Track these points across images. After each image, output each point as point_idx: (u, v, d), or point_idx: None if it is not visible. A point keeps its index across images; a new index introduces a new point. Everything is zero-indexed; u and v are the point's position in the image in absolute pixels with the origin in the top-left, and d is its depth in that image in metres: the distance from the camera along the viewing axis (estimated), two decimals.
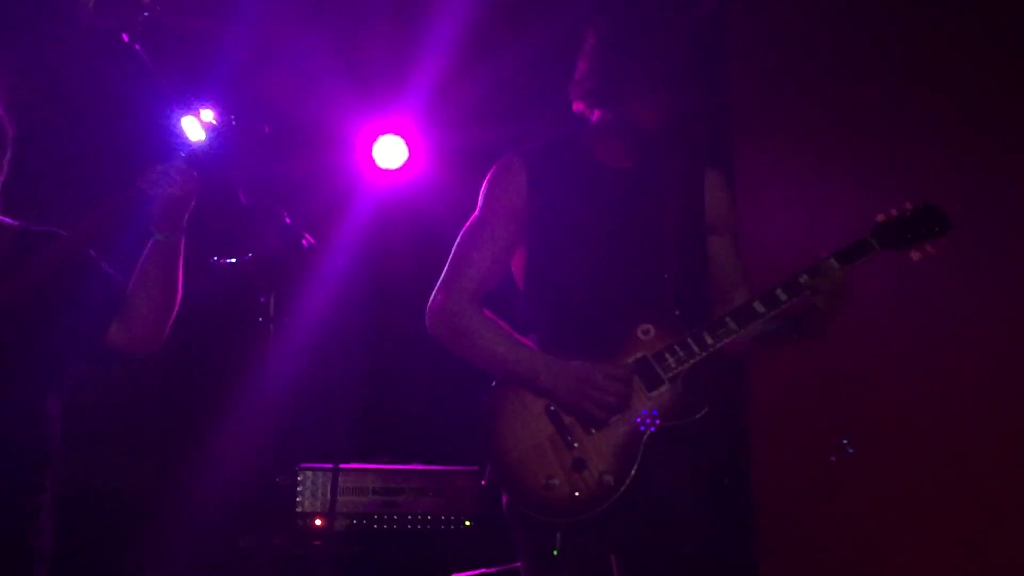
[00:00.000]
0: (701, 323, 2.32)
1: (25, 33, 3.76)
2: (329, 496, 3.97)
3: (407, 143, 4.88)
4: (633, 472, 2.22)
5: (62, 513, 2.44)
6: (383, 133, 4.86)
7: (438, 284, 2.46)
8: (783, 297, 2.32)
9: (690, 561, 2.23)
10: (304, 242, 3.18)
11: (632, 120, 2.40)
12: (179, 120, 4.08)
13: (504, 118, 4.73)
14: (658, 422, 2.25)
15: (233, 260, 3.22)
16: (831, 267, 2.33)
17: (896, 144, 3.95)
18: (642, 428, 2.24)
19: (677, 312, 2.35)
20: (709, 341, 2.29)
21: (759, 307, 2.32)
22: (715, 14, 4.19)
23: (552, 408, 2.28)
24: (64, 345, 2.38)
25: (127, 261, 2.46)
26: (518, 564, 3.60)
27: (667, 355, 2.29)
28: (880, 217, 2.39)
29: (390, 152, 4.87)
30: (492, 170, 2.52)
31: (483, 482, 2.36)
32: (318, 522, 3.99)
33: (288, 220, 3.21)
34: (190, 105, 3.75)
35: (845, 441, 3.79)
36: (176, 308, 2.43)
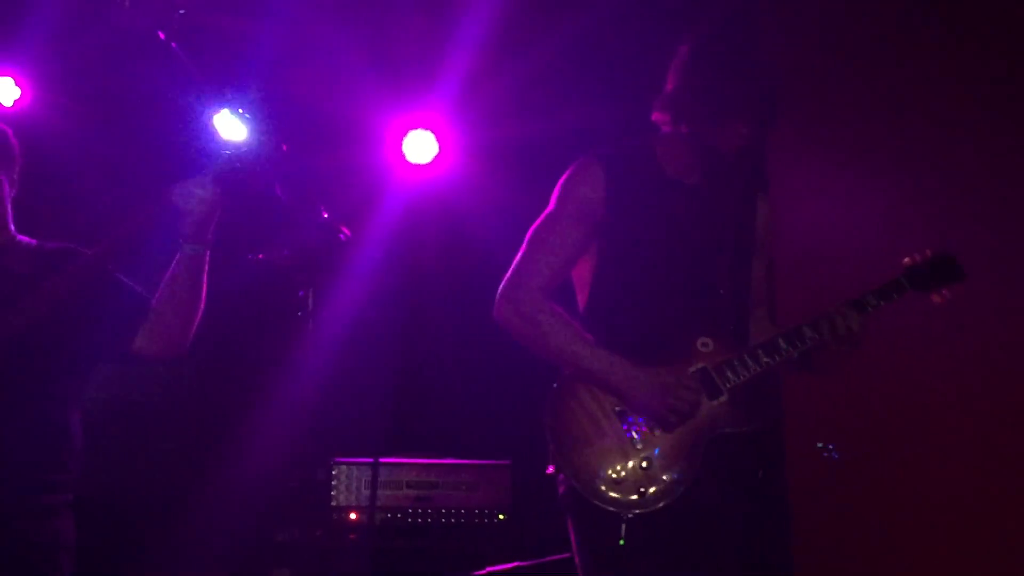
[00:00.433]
0: (756, 341, 2.51)
1: (60, 34, 3.80)
2: (363, 490, 4.01)
3: (437, 138, 4.88)
4: (694, 474, 2.36)
5: (100, 508, 2.48)
6: (413, 128, 4.86)
7: (509, 273, 2.52)
8: (825, 326, 2.48)
9: (733, 561, 2.41)
10: (342, 236, 3.20)
11: (713, 140, 2.51)
12: (213, 118, 4.12)
13: (534, 113, 4.73)
14: (717, 430, 2.40)
15: (265, 256, 3.23)
16: (872, 305, 2.51)
17: (927, 138, 3.93)
18: (703, 434, 2.38)
19: (732, 327, 2.52)
20: (764, 360, 2.45)
21: (808, 332, 2.48)
22: (747, 6, 4.17)
23: (619, 408, 2.40)
24: (88, 356, 2.47)
25: (150, 268, 2.52)
26: (553, 557, 3.61)
27: (726, 368, 2.44)
28: (907, 260, 2.56)
29: (420, 147, 4.87)
30: (571, 169, 2.57)
31: (549, 470, 2.45)
32: (353, 516, 4.02)
33: (325, 215, 3.22)
34: (224, 103, 3.78)
35: (831, 447, 3.83)
36: (200, 315, 2.50)
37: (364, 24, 4.56)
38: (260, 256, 3.23)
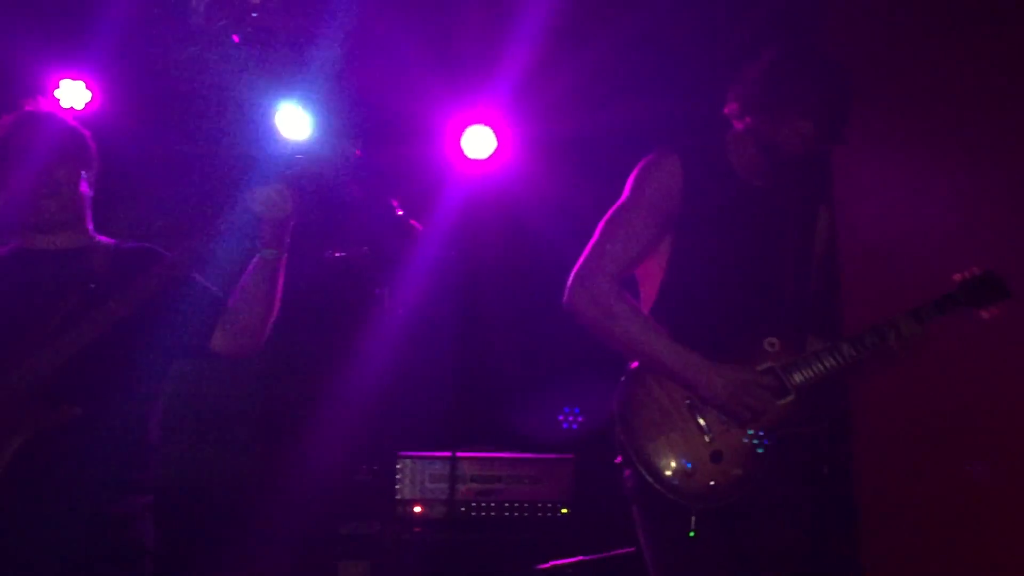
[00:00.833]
0: (820, 344, 2.54)
1: (131, 37, 3.86)
2: (426, 483, 4.05)
3: (496, 133, 4.89)
4: (762, 471, 2.40)
5: (167, 503, 2.53)
6: (472, 124, 4.87)
7: (582, 260, 2.52)
8: (889, 332, 2.54)
9: (798, 558, 2.46)
10: (415, 230, 3.20)
11: (779, 139, 2.51)
12: (286, 119, 4.18)
13: (592, 108, 4.72)
14: (784, 429, 2.44)
15: (343, 253, 3.26)
16: (926, 317, 2.57)
17: (994, 129, 3.86)
18: (771, 433, 2.42)
19: (796, 329, 2.55)
20: (829, 362, 2.49)
21: (870, 338, 2.54)
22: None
23: (690, 401, 2.42)
24: (167, 354, 2.51)
25: (223, 266, 2.55)
26: (617, 552, 3.63)
27: (793, 369, 2.48)
28: (957, 277, 2.64)
29: (479, 142, 4.89)
30: (646, 161, 2.58)
31: (617, 460, 2.47)
32: (417, 509, 4.06)
33: (400, 211, 3.23)
34: (296, 104, 3.84)
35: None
36: (275, 314, 2.53)
37: (424, 20, 4.58)
38: (337, 254, 3.26)
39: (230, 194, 2.41)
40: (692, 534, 2.35)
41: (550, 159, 4.87)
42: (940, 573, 3.85)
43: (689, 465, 2.36)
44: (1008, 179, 3.86)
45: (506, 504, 4.12)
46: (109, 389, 2.35)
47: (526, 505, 4.13)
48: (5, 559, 2.24)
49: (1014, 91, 3.85)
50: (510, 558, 4.02)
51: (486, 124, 4.88)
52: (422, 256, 4.66)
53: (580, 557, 3.77)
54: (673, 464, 2.36)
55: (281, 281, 2.50)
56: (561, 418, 4.20)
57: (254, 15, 2.57)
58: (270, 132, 4.21)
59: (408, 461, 4.11)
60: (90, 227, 2.59)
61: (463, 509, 4.09)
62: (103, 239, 2.61)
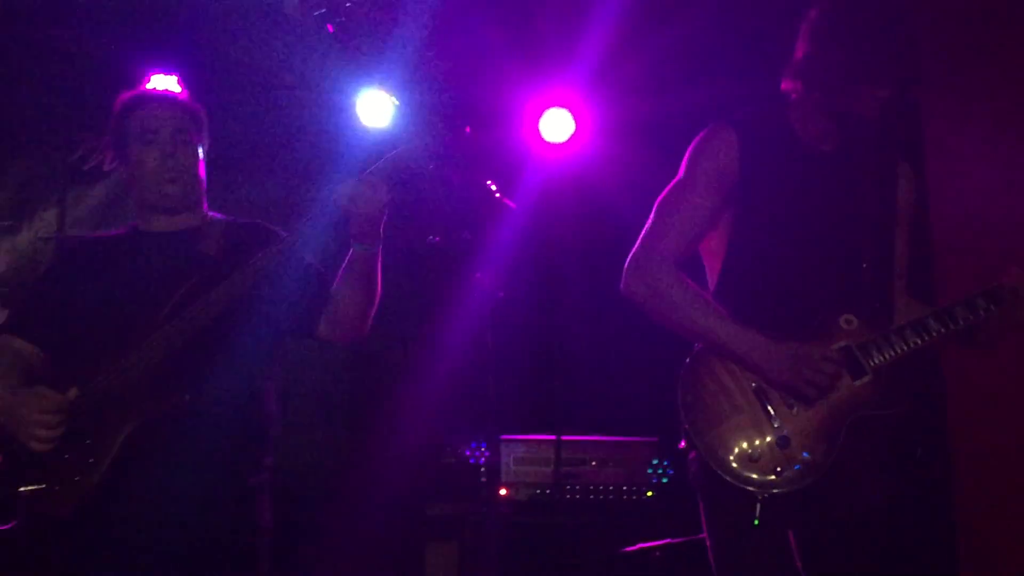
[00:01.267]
0: (903, 320, 2.38)
1: (230, 26, 3.92)
2: (512, 466, 4.07)
3: (574, 116, 4.87)
4: (833, 455, 2.26)
5: (287, 488, 2.55)
6: (550, 106, 4.86)
7: (637, 244, 2.43)
8: (982, 304, 2.38)
9: (876, 551, 2.32)
10: (510, 209, 3.17)
11: (848, 107, 2.38)
12: (369, 106, 4.21)
13: (672, 90, 4.66)
14: (859, 411, 2.29)
15: (442, 238, 3.27)
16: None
17: None
18: (844, 415, 2.28)
19: (877, 303, 2.39)
20: (912, 339, 2.34)
21: (961, 312, 2.38)
22: None
23: (755, 384, 2.31)
24: (277, 338, 2.51)
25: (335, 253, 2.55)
26: (703, 535, 3.60)
27: (871, 347, 2.33)
28: None
29: (557, 126, 4.87)
30: (701, 136, 2.47)
31: (680, 445, 2.40)
32: (503, 492, 4.09)
33: (499, 195, 3.21)
34: (377, 90, 3.85)
35: None
36: (377, 301, 2.50)
37: (502, 3, 4.57)
38: (436, 238, 3.28)
39: (319, 183, 2.41)
40: (756, 522, 2.23)
41: (629, 142, 4.84)
42: None
43: (754, 451, 2.26)
44: None
45: (591, 487, 4.12)
46: (218, 372, 2.35)
47: (611, 488, 4.13)
48: (121, 543, 2.26)
49: None
50: (596, 541, 4.03)
51: (564, 107, 4.86)
52: (498, 239, 4.68)
53: (668, 540, 3.76)
54: (737, 450, 2.26)
55: (379, 272, 2.46)
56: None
57: (347, 4, 2.58)
58: (354, 121, 4.25)
59: (497, 444, 4.14)
60: (205, 205, 2.60)
61: (549, 491, 4.11)
62: (215, 215, 2.61)
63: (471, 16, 4.50)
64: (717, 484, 2.28)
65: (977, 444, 3.88)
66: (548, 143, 4.89)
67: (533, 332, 4.74)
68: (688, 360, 2.39)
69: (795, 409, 2.29)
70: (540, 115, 4.86)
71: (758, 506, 2.24)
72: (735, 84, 4.48)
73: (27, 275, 5.11)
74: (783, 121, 2.46)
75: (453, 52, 4.44)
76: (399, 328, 4.48)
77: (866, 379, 2.30)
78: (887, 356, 2.32)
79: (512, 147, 4.94)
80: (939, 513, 3.87)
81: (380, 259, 2.45)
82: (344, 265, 2.45)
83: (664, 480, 4.15)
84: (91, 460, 2.25)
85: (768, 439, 2.27)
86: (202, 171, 2.56)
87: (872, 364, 2.31)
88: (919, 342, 2.33)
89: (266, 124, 4.80)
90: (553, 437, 4.18)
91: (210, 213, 2.61)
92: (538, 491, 4.11)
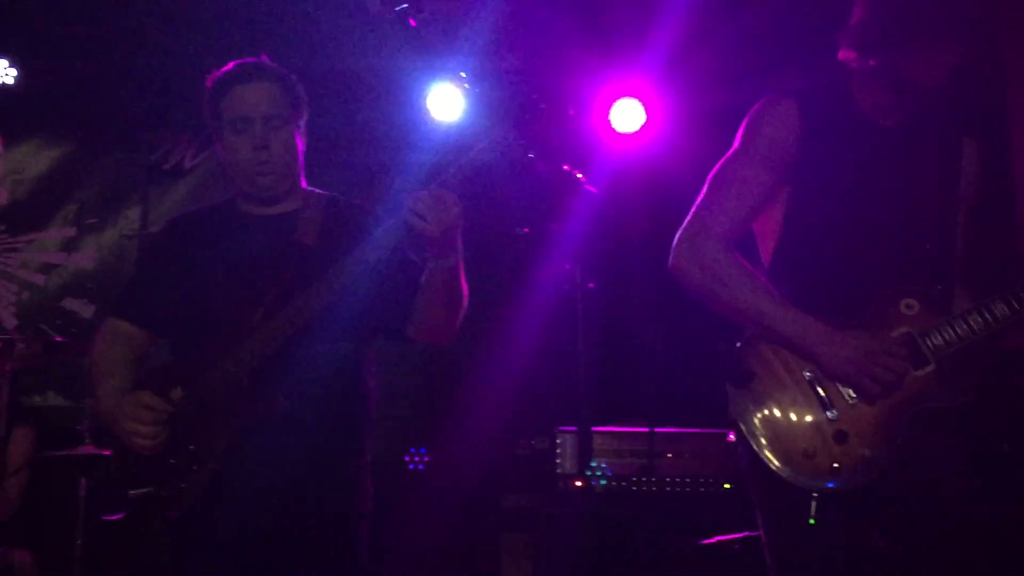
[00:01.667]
0: (968, 304, 2.23)
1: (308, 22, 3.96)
2: (588, 458, 4.06)
3: (645, 106, 4.84)
4: (895, 452, 2.13)
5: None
6: (621, 96, 4.84)
7: (688, 219, 2.30)
8: None
9: (958, 544, 2.14)
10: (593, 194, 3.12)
11: (908, 75, 2.23)
12: (440, 100, 4.22)
13: (745, 79, 4.59)
14: (921, 403, 2.16)
15: (531, 229, 3.26)
16: None
17: None
18: (905, 408, 2.14)
19: (940, 287, 2.25)
20: (980, 325, 2.18)
21: None
22: None
23: (810, 374, 2.18)
24: (375, 331, 2.43)
25: None
26: None
27: (934, 334, 2.18)
28: None
29: (628, 116, 4.85)
30: (759, 107, 2.34)
31: (729, 438, 2.31)
32: (578, 484, 4.09)
33: (589, 186, 3.15)
34: (448, 83, 3.85)
35: None
36: (464, 306, 2.38)
37: None
38: (526, 230, 3.26)
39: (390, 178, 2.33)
40: (812, 521, 2.11)
41: (702, 133, 4.78)
42: None
43: (810, 446, 2.12)
44: None
45: (667, 479, 4.10)
46: (314, 374, 2.28)
47: (687, 480, 4.11)
48: (228, 542, 2.25)
49: None
50: (672, 533, 4.01)
51: (635, 97, 4.84)
52: (568, 230, 4.67)
53: (746, 532, 3.72)
54: (791, 444, 2.13)
55: (463, 281, 2.32)
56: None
57: None
58: (425, 115, 4.27)
59: (568, 436, 4.14)
60: (303, 183, 2.50)
61: (623, 484, 4.10)
62: (315, 192, 2.50)
63: (542, 6, 4.49)
64: (770, 480, 2.16)
65: None
66: (618, 133, 4.87)
67: (606, 324, 4.72)
68: (738, 346, 2.25)
69: (855, 402, 2.15)
70: (610, 105, 4.84)
71: (814, 505, 2.11)
72: (812, 74, 4.39)
73: (113, 271, 5.27)
74: (844, 93, 2.31)
75: (524, 43, 4.43)
76: (485, 320, 4.48)
77: (928, 369, 2.16)
78: (951, 343, 2.17)
79: (582, 137, 4.92)
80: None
81: (462, 269, 2.30)
82: (423, 280, 2.31)
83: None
84: (194, 467, 2.26)
85: (825, 433, 2.13)
86: (300, 147, 2.46)
87: (935, 353, 2.17)
88: (985, 328, 2.17)
89: (341, 119, 4.87)
90: (631, 429, 4.17)
91: (309, 189, 2.51)
92: (613, 483, 4.10)
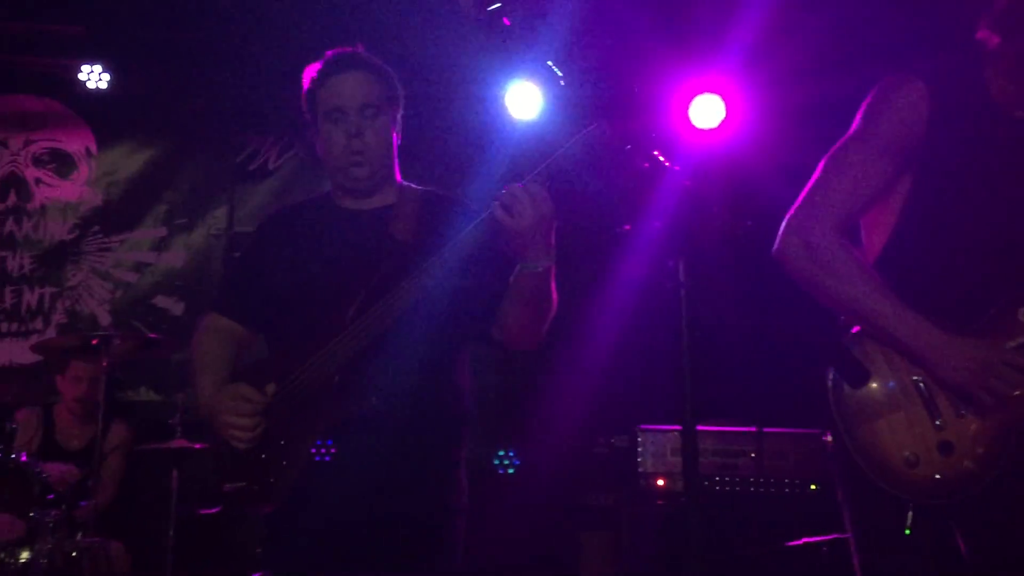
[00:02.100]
0: None
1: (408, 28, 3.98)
2: (668, 456, 4.05)
3: (725, 102, 4.79)
4: (1001, 466, 2.03)
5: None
6: (700, 92, 4.80)
7: (799, 203, 2.18)
8: None
9: None
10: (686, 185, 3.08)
11: None
12: (518, 98, 4.21)
13: (827, 73, 4.51)
14: None
15: (632, 226, 3.23)
16: None
17: None
18: (1016, 421, 2.03)
19: None
20: None
21: None
22: None
23: (920, 380, 2.08)
24: (465, 328, 2.38)
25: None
26: None
27: None
28: None
29: (707, 111, 4.81)
30: (884, 86, 2.17)
31: (826, 437, 2.21)
32: (660, 482, 4.08)
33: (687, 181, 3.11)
34: (526, 81, 3.82)
35: None
36: (552, 313, 2.31)
37: None
38: (627, 227, 3.23)
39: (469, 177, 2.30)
40: (908, 531, 2.03)
41: (782, 127, 4.72)
42: None
43: (912, 454, 2.03)
44: None
45: (751, 479, 4.07)
46: (404, 371, 2.25)
47: (773, 481, 4.06)
48: (322, 536, 2.26)
49: None
50: (758, 534, 3.97)
51: (715, 92, 4.79)
52: (646, 227, 4.64)
53: (834, 535, 3.67)
54: (893, 451, 2.03)
55: (553, 288, 2.24)
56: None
57: None
58: (503, 113, 4.28)
59: (649, 435, 4.14)
60: (398, 176, 2.47)
61: (706, 483, 4.07)
62: (410, 186, 2.47)
63: (621, 3, 4.48)
64: (866, 485, 2.07)
65: None
66: (698, 129, 4.83)
67: (688, 321, 4.67)
68: (842, 343, 2.14)
69: (963, 412, 2.05)
70: (690, 101, 4.81)
71: (910, 515, 2.03)
72: (899, 66, 4.30)
73: (201, 269, 5.42)
74: (977, 78, 2.14)
75: (602, 38, 4.42)
76: (567, 317, 4.50)
77: None
78: None
79: (661, 133, 4.89)
80: None
81: (553, 274, 2.22)
82: (512, 280, 2.23)
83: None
84: (284, 462, 2.26)
85: (929, 442, 2.04)
86: (395, 140, 2.43)
87: None
88: None
89: (423, 118, 4.93)
90: (716, 428, 4.13)
91: (404, 184, 2.48)
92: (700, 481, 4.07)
